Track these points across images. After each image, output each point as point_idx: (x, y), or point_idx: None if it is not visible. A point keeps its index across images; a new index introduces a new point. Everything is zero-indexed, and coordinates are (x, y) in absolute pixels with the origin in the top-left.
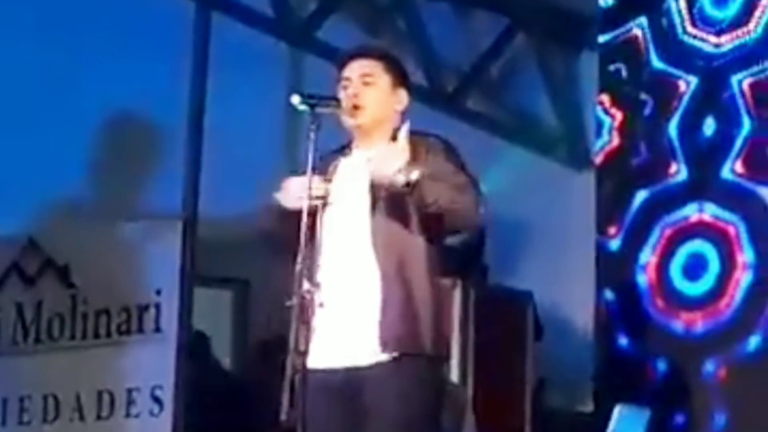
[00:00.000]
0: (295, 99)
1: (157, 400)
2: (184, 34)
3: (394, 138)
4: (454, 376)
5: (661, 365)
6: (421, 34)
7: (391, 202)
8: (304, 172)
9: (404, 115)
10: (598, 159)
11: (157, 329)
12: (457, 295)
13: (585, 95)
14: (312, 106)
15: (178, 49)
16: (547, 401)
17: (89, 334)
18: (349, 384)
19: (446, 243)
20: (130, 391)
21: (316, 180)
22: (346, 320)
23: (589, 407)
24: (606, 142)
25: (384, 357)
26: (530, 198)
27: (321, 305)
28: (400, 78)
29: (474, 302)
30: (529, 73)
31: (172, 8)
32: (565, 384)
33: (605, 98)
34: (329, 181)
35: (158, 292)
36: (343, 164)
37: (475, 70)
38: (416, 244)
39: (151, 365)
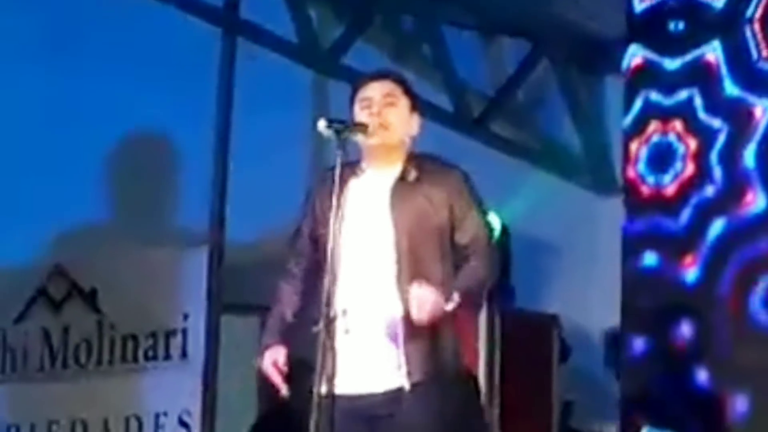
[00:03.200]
0: (322, 124)
1: (184, 424)
2: (210, 60)
3: (409, 163)
4: (481, 398)
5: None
6: (446, 59)
7: (415, 226)
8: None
9: (415, 141)
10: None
11: (184, 354)
12: (483, 318)
13: (610, 120)
14: (339, 132)
15: (204, 75)
16: (573, 424)
17: (116, 360)
18: (376, 409)
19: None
20: (157, 416)
21: (282, 353)
22: (370, 346)
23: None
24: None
25: (410, 382)
26: (555, 222)
27: (347, 332)
28: (415, 103)
29: (500, 325)
30: (553, 98)
31: (199, 34)
32: (592, 406)
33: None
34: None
35: (185, 318)
36: (357, 185)
37: (500, 95)
38: (439, 269)
39: (178, 390)
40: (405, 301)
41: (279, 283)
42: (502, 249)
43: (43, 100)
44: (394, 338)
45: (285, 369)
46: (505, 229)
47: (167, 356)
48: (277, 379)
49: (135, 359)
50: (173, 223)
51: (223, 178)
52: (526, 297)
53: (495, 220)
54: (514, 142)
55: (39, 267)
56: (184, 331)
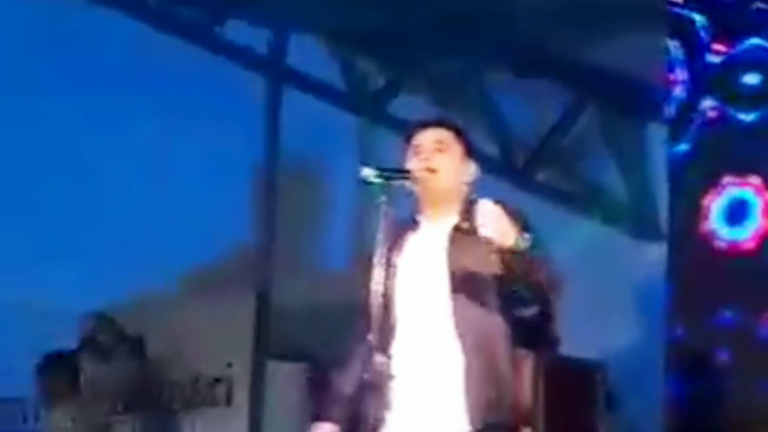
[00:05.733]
0: (367, 172)
1: None
2: (258, 106)
3: (467, 211)
4: None
5: None
6: (491, 107)
7: (472, 274)
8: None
9: (472, 187)
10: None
11: (228, 402)
12: (528, 366)
13: (654, 167)
14: (384, 179)
15: (252, 120)
16: None
17: (162, 406)
18: None
19: (519, 315)
20: None
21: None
22: (427, 394)
23: None
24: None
25: (468, 429)
26: (600, 269)
27: (392, 377)
28: (469, 149)
29: (545, 373)
30: (597, 145)
31: (245, 82)
32: None
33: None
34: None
35: (230, 365)
36: (413, 238)
37: (544, 143)
38: (494, 319)
39: None
40: (462, 347)
41: (351, 343)
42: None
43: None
44: (451, 385)
45: None
46: None
47: (213, 402)
48: None
49: (181, 406)
50: (221, 268)
51: (272, 225)
52: (571, 344)
53: None
54: (558, 188)
55: (86, 315)
56: (230, 379)
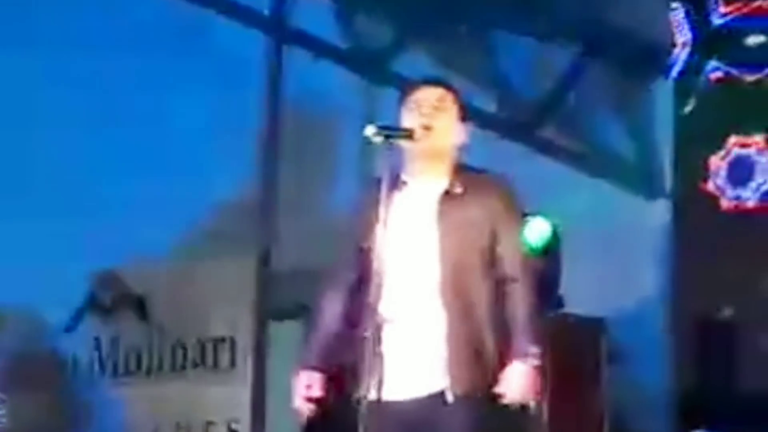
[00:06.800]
0: (370, 130)
1: None
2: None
3: (454, 173)
4: (529, 412)
5: None
6: (496, 65)
7: (460, 240)
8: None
9: (461, 152)
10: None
11: (233, 363)
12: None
13: (658, 122)
14: (386, 137)
15: (253, 80)
16: (624, 427)
17: (165, 367)
18: (421, 416)
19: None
20: (208, 424)
21: (317, 379)
22: (415, 353)
23: None
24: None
25: (455, 390)
26: (605, 227)
27: (393, 336)
28: (464, 113)
29: (548, 331)
30: (603, 103)
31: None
32: (643, 409)
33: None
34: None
35: (233, 327)
36: (401, 197)
37: (549, 101)
38: (482, 283)
39: (226, 399)
40: (448, 311)
41: (325, 291)
42: (553, 253)
43: (84, 101)
44: (437, 346)
45: (318, 395)
46: (555, 234)
47: (215, 364)
48: (304, 407)
49: (184, 367)
50: (223, 227)
51: (273, 182)
52: (573, 301)
53: (545, 225)
54: (562, 146)
55: (89, 273)
56: (233, 340)
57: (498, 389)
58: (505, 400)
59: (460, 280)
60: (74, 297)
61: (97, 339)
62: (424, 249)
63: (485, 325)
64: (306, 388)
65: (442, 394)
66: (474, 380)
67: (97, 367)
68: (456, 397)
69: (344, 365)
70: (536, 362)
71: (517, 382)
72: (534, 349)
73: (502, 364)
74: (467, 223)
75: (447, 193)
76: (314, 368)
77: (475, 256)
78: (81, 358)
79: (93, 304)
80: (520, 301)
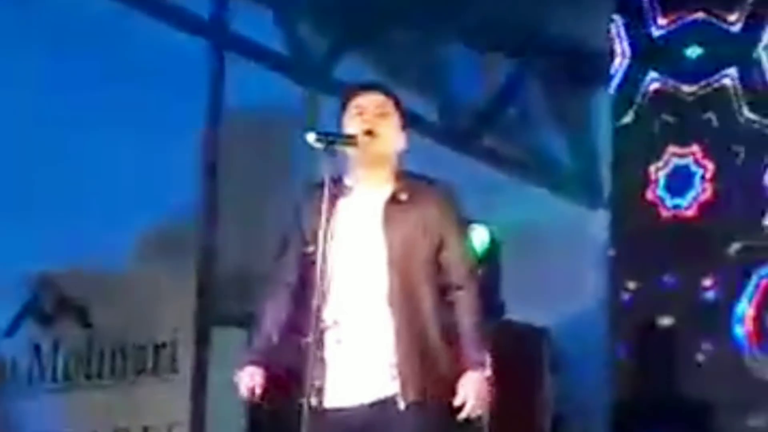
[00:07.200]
0: (311, 137)
1: None
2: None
3: (397, 179)
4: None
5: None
6: (436, 74)
7: (406, 246)
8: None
9: (402, 158)
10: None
11: (174, 369)
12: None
13: (598, 132)
14: (328, 143)
15: (194, 85)
16: None
17: (105, 373)
18: (368, 422)
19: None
20: (146, 429)
21: (259, 373)
22: (361, 359)
23: None
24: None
25: (405, 397)
26: (544, 235)
27: (339, 342)
28: (405, 119)
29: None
30: (543, 113)
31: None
32: (582, 419)
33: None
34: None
35: (174, 332)
36: (346, 203)
37: (490, 109)
38: (427, 288)
39: (167, 403)
40: (396, 317)
41: (266, 296)
42: (492, 262)
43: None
44: (384, 352)
45: (260, 390)
46: (494, 242)
47: (156, 369)
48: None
49: (124, 373)
50: (163, 232)
51: (214, 186)
52: (515, 310)
53: (484, 233)
54: (502, 155)
55: (29, 278)
56: (174, 345)
57: (457, 401)
58: (465, 412)
59: (407, 287)
60: (12, 301)
61: (36, 345)
62: (370, 255)
63: (433, 332)
64: (250, 378)
65: (392, 400)
66: (425, 387)
67: (36, 372)
68: (407, 403)
69: (289, 369)
70: (489, 371)
71: (476, 392)
72: (485, 358)
73: (454, 371)
74: (413, 229)
75: (393, 199)
76: (256, 363)
77: (421, 263)
78: (20, 363)
79: (33, 309)
80: (466, 309)
